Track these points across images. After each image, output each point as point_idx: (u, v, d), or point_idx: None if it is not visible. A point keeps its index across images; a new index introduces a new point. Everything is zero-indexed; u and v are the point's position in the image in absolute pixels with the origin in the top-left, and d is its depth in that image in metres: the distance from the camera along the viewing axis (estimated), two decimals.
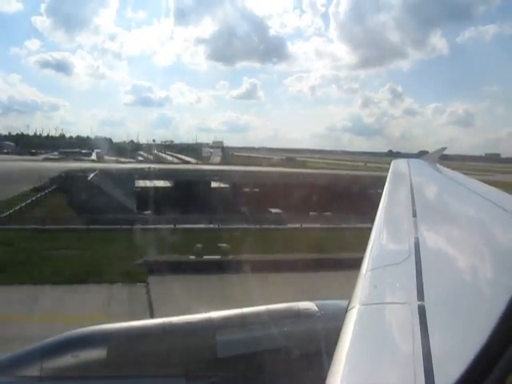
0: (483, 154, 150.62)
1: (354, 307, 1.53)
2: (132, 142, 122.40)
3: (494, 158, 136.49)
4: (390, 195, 4.27)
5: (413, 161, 7.70)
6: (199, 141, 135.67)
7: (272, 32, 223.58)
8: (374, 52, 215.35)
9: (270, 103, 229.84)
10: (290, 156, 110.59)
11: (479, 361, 1.05)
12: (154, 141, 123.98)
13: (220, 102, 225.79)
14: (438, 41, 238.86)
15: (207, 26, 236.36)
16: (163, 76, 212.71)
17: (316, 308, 2.49)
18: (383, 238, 2.62)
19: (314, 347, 2.17)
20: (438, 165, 7.50)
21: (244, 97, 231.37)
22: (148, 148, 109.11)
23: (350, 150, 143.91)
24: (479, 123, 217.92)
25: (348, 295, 1.73)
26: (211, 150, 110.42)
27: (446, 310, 1.45)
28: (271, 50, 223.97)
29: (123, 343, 2.32)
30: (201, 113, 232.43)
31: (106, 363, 2.24)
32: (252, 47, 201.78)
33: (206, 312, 2.53)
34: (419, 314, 1.36)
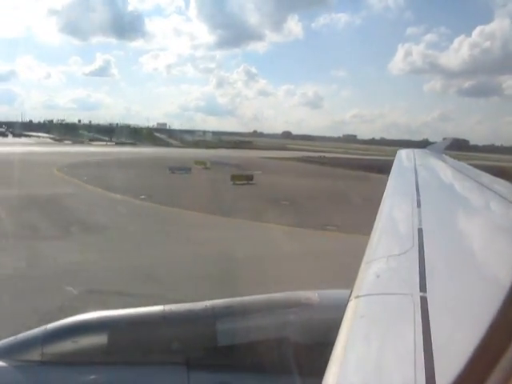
0: (341, 136, 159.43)
1: (355, 297, 1.52)
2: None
3: (350, 139, 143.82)
4: (394, 185, 4.24)
5: (418, 151, 7.64)
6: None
7: (130, 7, 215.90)
8: (231, 33, 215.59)
9: (124, 81, 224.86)
10: None
11: (481, 353, 1.03)
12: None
13: (71, 79, 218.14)
14: (295, 25, 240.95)
15: None
16: (8, 48, 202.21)
17: (317, 297, 2.48)
18: (387, 228, 2.60)
19: (314, 337, 2.18)
20: (443, 155, 7.54)
21: (97, 74, 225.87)
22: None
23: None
24: (327, 105, 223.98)
25: (350, 284, 1.71)
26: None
27: (448, 302, 1.44)
28: (128, 25, 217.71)
29: (124, 330, 2.33)
30: (49, 89, 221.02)
31: (106, 350, 2.25)
32: (108, 22, 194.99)
33: (207, 300, 2.52)
34: (421, 305, 1.35)
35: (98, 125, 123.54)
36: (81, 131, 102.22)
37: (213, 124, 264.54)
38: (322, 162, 61.26)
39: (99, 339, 2.28)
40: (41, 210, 21.34)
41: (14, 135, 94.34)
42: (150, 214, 22.61)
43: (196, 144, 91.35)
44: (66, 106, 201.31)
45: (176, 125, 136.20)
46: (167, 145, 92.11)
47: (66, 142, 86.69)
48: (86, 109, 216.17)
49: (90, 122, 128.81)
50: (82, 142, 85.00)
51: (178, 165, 42.27)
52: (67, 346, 2.24)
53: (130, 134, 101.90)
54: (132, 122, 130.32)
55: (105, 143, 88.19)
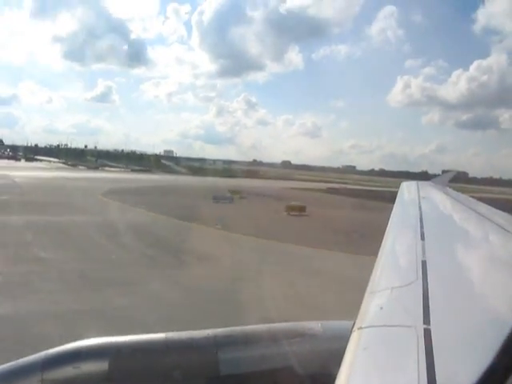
0: (340, 166, 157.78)
1: (358, 328, 1.51)
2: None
3: (349, 170, 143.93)
4: (398, 217, 4.27)
5: (422, 183, 7.68)
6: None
7: (133, 35, 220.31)
8: (233, 62, 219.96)
9: (125, 107, 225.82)
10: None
11: None
12: None
13: (72, 104, 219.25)
14: (295, 56, 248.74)
15: (66, 24, 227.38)
16: (12, 73, 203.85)
17: (320, 328, 2.45)
18: (391, 260, 2.62)
19: (317, 367, 2.16)
20: (447, 188, 7.58)
21: (98, 100, 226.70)
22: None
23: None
24: (325, 135, 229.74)
25: (353, 314, 1.73)
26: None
27: (452, 334, 1.42)
28: (131, 53, 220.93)
29: (125, 357, 2.29)
30: (50, 114, 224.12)
31: (107, 376, 2.21)
32: (111, 49, 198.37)
33: (209, 329, 2.51)
34: (425, 337, 1.34)
35: (102, 151, 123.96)
36: (89, 157, 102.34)
37: (211, 152, 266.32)
38: (348, 193, 61.54)
39: (100, 366, 2.24)
40: (143, 240, 21.76)
41: (27, 159, 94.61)
42: (251, 246, 22.30)
43: (206, 172, 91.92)
44: (67, 131, 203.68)
45: (175, 152, 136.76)
46: (176, 172, 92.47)
47: (80, 167, 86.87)
48: (85, 134, 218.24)
49: (96, 147, 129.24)
50: (96, 168, 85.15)
51: (219, 194, 42.65)
52: (68, 372, 2.20)
53: (137, 161, 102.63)
54: (131, 149, 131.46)
55: (120, 169, 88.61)
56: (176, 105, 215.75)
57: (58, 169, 78.71)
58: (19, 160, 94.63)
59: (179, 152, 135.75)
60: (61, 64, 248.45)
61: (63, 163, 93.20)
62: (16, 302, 12.23)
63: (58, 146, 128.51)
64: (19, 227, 22.29)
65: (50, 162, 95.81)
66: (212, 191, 45.57)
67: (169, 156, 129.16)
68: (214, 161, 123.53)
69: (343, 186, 77.59)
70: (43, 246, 18.55)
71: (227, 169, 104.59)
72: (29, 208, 28.03)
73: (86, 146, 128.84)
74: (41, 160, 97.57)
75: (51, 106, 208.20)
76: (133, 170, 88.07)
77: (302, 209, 36.66)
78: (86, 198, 37.25)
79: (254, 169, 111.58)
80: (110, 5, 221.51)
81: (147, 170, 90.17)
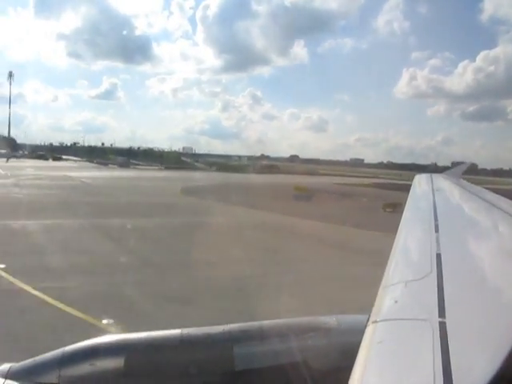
0: (348, 159, 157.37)
1: (373, 322, 1.52)
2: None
3: (358, 163, 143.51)
4: (412, 210, 4.26)
5: (436, 175, 7.61)
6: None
7: (138, 32, 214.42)
8: (238, 57, 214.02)
9: (130, 104, 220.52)
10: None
11: (502, 380, 1.03)
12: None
13: (77, 102, 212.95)
14: (300, 50, 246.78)
15: (70, 22, 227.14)
16: (18, 71, 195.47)
17: (335, 322, 2.46)
18: (405, 253, 2.62)
19: (332, 362, 2.16)
20: (461, 180, 7.54)
21: (103, 97, 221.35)
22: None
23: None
24: (331, 129, 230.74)
25: (368, 309, 1.71)
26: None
27: (468, 328, 1.42)
28: (135, 50, 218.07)
29: (141, 353, 2.31)
30: (56, 112, 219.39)
31: (123, 373, 2.23)
32: (116, 46, 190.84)
33: (224, 324, 2.52)
34: (440, 330, 1.34)
35: (119, 148, 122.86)
36: (111, 156, 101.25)
37: (217, 147, 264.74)
38: (397, 189, 60.93)
39: (116, 362, 2.27)
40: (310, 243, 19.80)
41: (53, 159, 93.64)
42: None
43: (236, 169, 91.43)
44: (72, 129, 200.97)
45: (194, 149, 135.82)
46: (205, 169, 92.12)
47: (111, 165, 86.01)
48: (91, 131, 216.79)
49: (112, 145, 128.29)
50: (127, 166, 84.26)
51: (296, 192, 41.18)
52: (84, 369, 2.24)
53: (156, 158, 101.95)
54: (138, 145, 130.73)
55: (152, 167, 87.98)
56: (181, 100, 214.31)
57: (93, 168, 77.48)
58: (47, 159, 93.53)
59: (183, 148, 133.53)
60: (65, 62, 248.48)
61: (90, 162, 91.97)
62: None
63: (75, 144, 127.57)
64: (160, 230, 21.25)
65: (75, 161, 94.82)
66: (274, 188, 44.73)
67: (188, 153, 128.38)
68: (240, 157, 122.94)
69: (388, 181, 77.28)
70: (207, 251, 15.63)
71: (251, 165, 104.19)
72: (145, 211, 26.58)
73: (102, 144, 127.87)
74: (66, 159, 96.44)
75: (56, 104, 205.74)
76: (167, 168, 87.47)
77: (395, 206, 36.88)
78: (173, 197, 36.09)
79: (275, 164, 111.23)
80: (114, 1, 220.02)
81: (182, 167, 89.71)
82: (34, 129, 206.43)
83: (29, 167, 64.60)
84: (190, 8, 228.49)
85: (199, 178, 63.05)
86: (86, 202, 29.18)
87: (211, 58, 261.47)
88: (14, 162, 77.82)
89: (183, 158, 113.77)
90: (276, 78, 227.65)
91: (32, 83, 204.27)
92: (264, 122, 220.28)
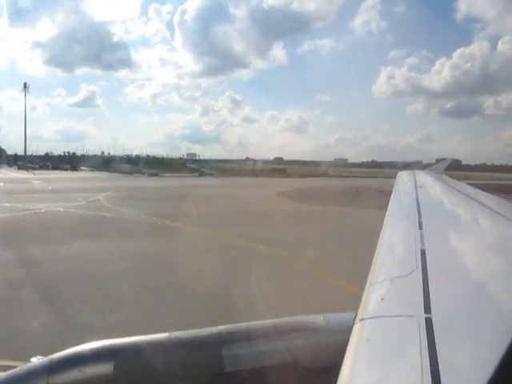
0: (332, 159, 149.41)
1: (361, 320, 1.52)
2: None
3: (342, 163, 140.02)
4: (395, 207, 4.27)
5: (418, 172, 7.71)
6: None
7: (115, 38, 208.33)
8: (217, 61, 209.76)
9: (109, 111, 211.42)
10: None
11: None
12: None
13: (55, 110, 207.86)
14: (279, 52, 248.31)
15: (46, 29, 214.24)
16: None
17: (323, 321, 2.45)
18: (389, 250, 2.65)
19: (321, 360, 2.16)
20: (443, 176, 7.65)
21: (81, 105, 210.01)
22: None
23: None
24: (312, 130, 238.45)
25: (355, 307, 1.72)
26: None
27: (454, 323, 1.42)
28: (113, 56, 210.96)
29: (130, 358, 2.32)
30: (34, 121, 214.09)
31: (112, 378, 2.23)
32: (93, 53, 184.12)
33: (212, 327, 2.51)
34: (426, 326, 1.34)
35: (119, 156, 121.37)
36: (124, 165, 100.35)
37: (197, 152, 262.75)
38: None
39: (105, 368, 2.26)
40: None
41: (72, 169, 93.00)
42: None
43: (255, 173, 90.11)
44: (51, 138, 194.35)
45: (197, 155, 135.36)
46: (211, 175, 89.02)
47: (135, 174, 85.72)
48: (70, 140, 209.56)
49: (109, 153, 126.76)
50: (156, 175, 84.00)
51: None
52: (73, 375, 2.22)
53: (159, 165, 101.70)
54: (117, 152, 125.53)
55: (181, 175, 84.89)
56: (161, 106, 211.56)
57: (128, 178, 73.03)
58: (66, 170, 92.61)
59: (165, 153, 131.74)
60: (42, 70, 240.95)
61: (103, 171, 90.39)
62: None
63: (74, 153, 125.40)
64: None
65: (92, 170, 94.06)
66: (351, 189, 44.88)
67: (192, 159, 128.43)
68: (255, 161, 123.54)
69: None
70: None
71: (263, 169, 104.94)
72: (266, 220, 24.95)
73: (102, 153, 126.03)
74: (82, 170, 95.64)
75: (34, 114, 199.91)
76: (200, 175, 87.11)
77: None
78: (285, 204, 34.97)
79: (279, 167, 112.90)
80: (90, 8, 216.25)
81: (212, 174, 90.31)
82: (12, 138, 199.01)
83: (94, 180, 61.01)
84: (168, 13, 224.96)
85: (259, 183, 60.47)
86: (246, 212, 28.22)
87: (190, 63, 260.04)
88: (43, 175, 72.92)
89: (189, 165, 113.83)
90: (255, 80, 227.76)
91: (8, 93, 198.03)
92: (244, 125, 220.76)
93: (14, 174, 75.04)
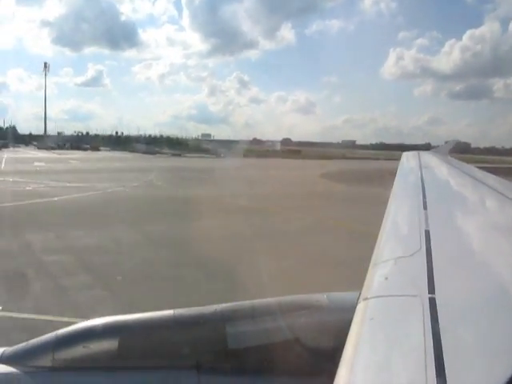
0: (340, 141, 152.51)
1: (364, 299, 1.52)
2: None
3: (350, 145, 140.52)
4: (400, 187, 4.27)
5: (423, 153, 7.67)
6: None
7: (123, 18, 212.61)
8: (224, 41, 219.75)
9: (117, 91, 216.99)
10: None
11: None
12: None
13: (63, 90, 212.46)
14: (288, 33, 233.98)
15: (53, 8, 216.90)
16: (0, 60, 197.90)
17: (326, 300, 2.45)
18: (394, 230, 2.64)
19: (324, 339, 2.17)
20: (449, 157, 7.62)
21: (89, 84, 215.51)
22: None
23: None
24: (319, 111, 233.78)
25: (359, 287, 1.71)
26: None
27: (457, 304, 1.42)
28: (121, 36, 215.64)
29: (134, 335, 2.35)
30: (41, 100, 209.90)
31: (117, 354, 2.27)
32: (101, 33, 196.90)
33: (216, 304, 2.52)
34: (430, 306, 1.35)
35: (135, 136, 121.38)
36: (139, 144, 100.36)
37: (204, 132, 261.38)
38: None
39: (110, 344, 2.31)
40: None
41: (92, 149, 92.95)
42: None
43: (266, 155, 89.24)
44: (58, 117, 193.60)
45: (212, 135, 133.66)
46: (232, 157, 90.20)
47: (157, 155, 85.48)
48: (77, 119, 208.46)
49: (122, 133, 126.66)
50: (179, 155, 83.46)
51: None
52: (78, 351, 2.27)
53: (174, 146, 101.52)
54: (126, 132, 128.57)
55: (215, 156, 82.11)
56: (168, 86, 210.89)
57: (153, 158, 72.08)
58: (86, 150, 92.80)
59: (171, 133, 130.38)
60: (50, 49, 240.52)
61: (123, 151, 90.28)
62: None
63: (88, 133, 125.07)
64: None
65: (108, 150, 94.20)
66: (366, 173, 43.93)
67: (207, 139, 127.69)
68: (273, 142, 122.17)
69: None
70: None
71: (278, 150, 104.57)
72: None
73: (116, 133, 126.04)
74: (101, 150, 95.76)
75: (42, 93, 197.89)
76: (224, 156, 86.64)
77: None
78: (340, 187, 33.92)
79: (294, 149, 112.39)
80: None
81: (227, 155, 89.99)
82: (19, 118, 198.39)
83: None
84: None
85: (289, 165, 58.72)
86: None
87: (198, 43, 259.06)
88: (70, 154, 72.00)
89: (205, 146, 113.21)
90: (263, 61, 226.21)
91: (15, 72, 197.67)
92: (252, 106, 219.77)
93: (40, 154, 73.89)
